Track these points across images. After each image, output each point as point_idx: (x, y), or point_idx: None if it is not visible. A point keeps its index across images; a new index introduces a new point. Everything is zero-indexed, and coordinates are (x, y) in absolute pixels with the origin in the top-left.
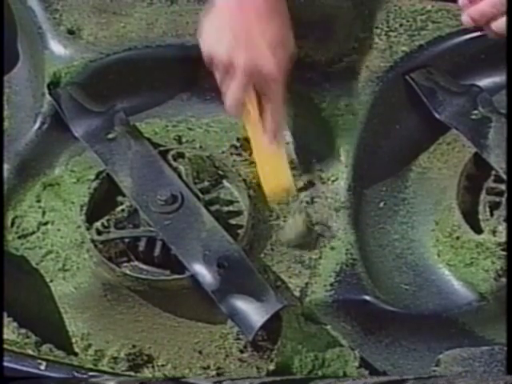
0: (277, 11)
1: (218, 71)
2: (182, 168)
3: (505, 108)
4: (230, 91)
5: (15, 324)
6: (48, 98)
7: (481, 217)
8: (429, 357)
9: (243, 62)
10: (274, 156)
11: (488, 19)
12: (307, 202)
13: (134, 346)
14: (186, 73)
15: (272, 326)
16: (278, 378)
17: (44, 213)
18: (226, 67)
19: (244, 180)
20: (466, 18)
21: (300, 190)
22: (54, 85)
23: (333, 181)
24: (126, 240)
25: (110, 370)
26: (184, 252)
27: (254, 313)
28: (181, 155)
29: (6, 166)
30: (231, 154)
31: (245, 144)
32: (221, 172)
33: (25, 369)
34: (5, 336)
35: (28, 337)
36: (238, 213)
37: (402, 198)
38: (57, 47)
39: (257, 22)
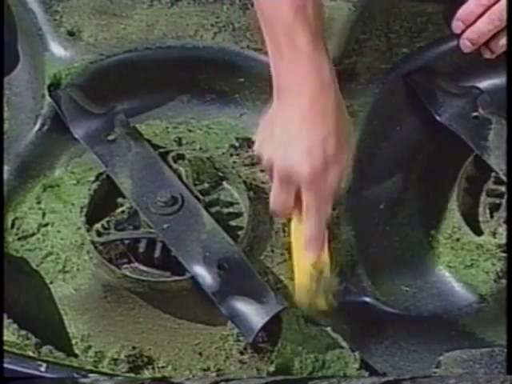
0: (325, 118)
1: (267, 172)
2: (182, 170)
3: (505, 110)
4: (271, 193)
5: (15, 325)
6: (48, 99)
7: (481, 218)
8: (429, 358)
9: (279, 166)
10: (314, 268)
11: (487, 38)
12: None
13: (134, 348)
14: (186, 75)
15: (272, 328)
16: (278, 378)
17: (44, 214)
18: (269, 169)
19: (244, 182)
20: (464, 43)
21: None
22: (54, 86)
23: None
24: (126, 241)
25: (110, 372)
26: (184, 253)
27: (254, 314)
28: (181, 157)
29: (6, 168)
30: (231, 155)
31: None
32: (221, 173)
33: (25, 370)
34: (5, 338)
35: (28, 338)
36: (238, 214)
37: (401, 200)
38: (57, 49)
39: (300, 124)
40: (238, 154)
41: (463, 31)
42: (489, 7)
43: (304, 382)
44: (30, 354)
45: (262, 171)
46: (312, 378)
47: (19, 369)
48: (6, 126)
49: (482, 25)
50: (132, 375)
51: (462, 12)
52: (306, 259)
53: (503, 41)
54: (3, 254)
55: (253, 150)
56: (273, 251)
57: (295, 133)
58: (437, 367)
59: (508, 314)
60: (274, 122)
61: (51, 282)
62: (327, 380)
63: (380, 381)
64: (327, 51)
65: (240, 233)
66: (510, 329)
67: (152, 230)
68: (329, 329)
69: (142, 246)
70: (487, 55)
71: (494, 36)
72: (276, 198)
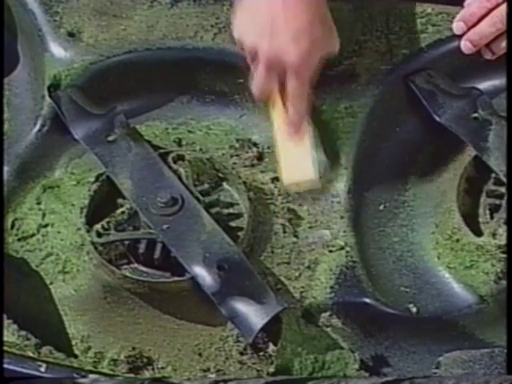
0: (308, 2)
1: (248, 58)
2: (182, 170)
3: (505, 111)
4: (255, 78)
5: (15, 326)
6: (48, 100)
7: (481, 219)
8: (429, 359)
9: (266, 51)
10: (297, 148)
11: (488, 40)
12: (307, 205)
13: (133, 349)
14: (186, 75)
15: (272, 329)
16: (278, 379)
17: (44, 215)
18: (252, 55)
19: (244, 182)
20: (465, 44)
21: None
22: (54, 87)
23: (333, 183)
24: (126, 242)
25: (110, 373)
26: (184, 254)
27: (254, 315)
28: (181, 158)
29: (5, 168)
30: (231, 156)
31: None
32: (221, 174)
33: (25, 371)
34: (5, 338)
35: (28, 339)
36: (238, 215)
37: (401, 201)
38: (57, 50)
39: (283, 11)
40: (237, 155)
41: (465, 32)
42: (491, 9)
43: (304, 382)
44: (30, 354)
45: (263, 172)
46: (312, 378)
47: (19, 369)
48: (5, 126)
49: (483, 27)
50: (132, 376)
51: (464, 13)
52: (290, 141)
53: (504, 42)
54: (3, 255)
55: (253, 150)
56: (273, 252)
57: (280, 17)
58: (436, 368)
59: (508, 315)
60: (254, 4)
61: (51, 283)
62: (328, 380)
63: (380, 381)
64: None
65: (240, 233)
66: (510, 329)
67: (152, 231)
68: (329, 329)
69: (141, 247)
70: (488, 56)
71: (496, 37)
72: (260, 83)
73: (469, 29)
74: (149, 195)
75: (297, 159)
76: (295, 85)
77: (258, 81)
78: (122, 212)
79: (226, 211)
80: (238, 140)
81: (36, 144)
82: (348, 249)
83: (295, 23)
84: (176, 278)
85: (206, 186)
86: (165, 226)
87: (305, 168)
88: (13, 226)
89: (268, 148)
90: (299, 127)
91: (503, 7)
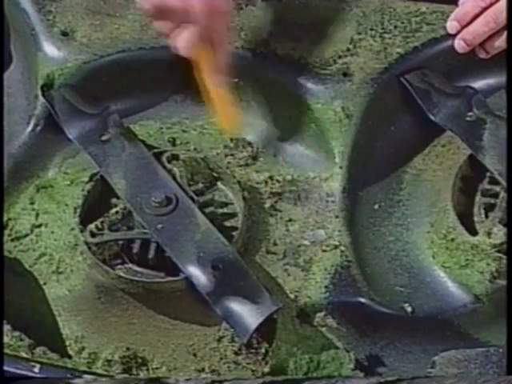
0: None
1: (167, 19)
2: (176, 170)
3: (499, 109)
4: (184, 35)
5: (8, 327)
6: (41, 99)
7: (476, 219)
8: (424, 359)
9: (199, 5)
10: (221, 96)
11: (482, 39)
12: (302, 204)
13: (128, 349)
14: (180, 75)
15: (267, 329)
16: (273, 379)
17: (37, 215)
18: (180, 13)
19: (239, 182)
20: (459, 43)
21: None
22: (47, 87)
23: (327, 182)
24: (120, 242)
25: (105, 373)
26: (178, 254)
27: (249, 315)
28: (175, 157)
29: None
30: (225, 155)
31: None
32: (215, 174)
33: (18, 371)
34: None
35: (21, 339)
36: (233, 215)
37: (396, 200)
38: (50, 49)
39: None
40: (232, 155)
41: (458, 31)
42: (485, 8)
43: (299, 382)
44: (24, 355)
45: (257, 172)
46: (307, 378)
47: (12, 370)
48: None
49: (477, 26)
50: (126, 376)
51: (458, 12)
52: (215, 91)
53: (498, 42)
54: (3, 256)
55: (247, 150)
56: (267, 251)
57: None
58: (432, 367)
59: (508, 315)
60: None
61: (45, 283)
62: (323, 380)
63: (375, 381)
64: None
65: (234, 233)
66: (510, 329)
67: (146, 231)
68: (324, 329)
69: (136, 247)
70: (482, 55)
71: (490, 37)
72: (190, 39)
73: (463, 28)
74: (143, 195)
75: (222, 108)
76: (222, 35)
77: (189, 36)
78: (116, 212)
79: (220, 211)
80: (232, 139)
81: (29, 144)
82: (343, 248)
83: None
84: (170, 278)
85: (201, 185)
86: (159, 226)
87: (229, 116)
88: (6, 226)
89: (263, 148)
90: (226, 68)
91: (497, 6)
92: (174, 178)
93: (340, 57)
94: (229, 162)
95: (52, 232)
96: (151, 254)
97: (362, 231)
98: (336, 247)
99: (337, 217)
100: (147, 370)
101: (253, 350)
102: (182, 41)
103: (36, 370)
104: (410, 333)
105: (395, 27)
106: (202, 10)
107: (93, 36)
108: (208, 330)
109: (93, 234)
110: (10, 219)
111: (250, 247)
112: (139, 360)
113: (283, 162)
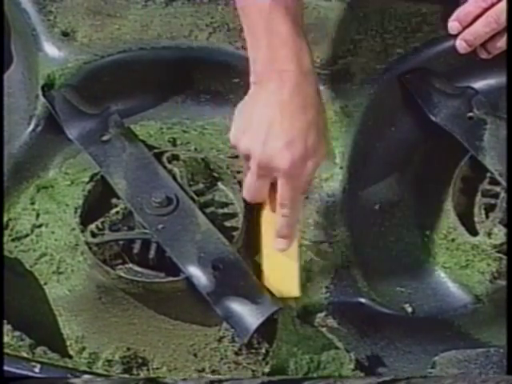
0: (306, 108)
1: (242, 159)
2: (176, 170)
3: (499, 110)
4: (246, 180)
5: (9, 326)
6: (42, 100)
7: (476, 219)
8: (424, 359)
9: (258, 156)
10: (284, 258)
11: (483, 40)
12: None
13: (128, 349)
14: (181, 75)
15: (267, 329)
16: (273, 379)
17: (38, 215)
18: (245, 157)
19: (239, 182)
20: (460, 44)
21: None
22: (48, 87)
23: (327, 182)
24: (121, 242)
25: (105, 373)
26: (179, 254)
27: (249, 315)
28: (175, 157)
29: None
30: (226, 156)
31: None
32: (215, 174)
33: (19, 371)
34: None
35: (22, 339)
36: (233, 215)
37: (397, 200)
38: (51, 49)
39: (280, 118)
40: (232, 155)
41: (460, 32)
42: (486, 9)
43: (299, 382)
44: (25, 355)
45: None
46: (307, 378)
47: (13, 370)
48: None
49: (478, 26)
50: (127, 376)
51: (460, 13)
52: (276, 248)
53: (500, 42)
54: (3, 256)
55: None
56: None
57: (276, 123)
58: (432, 367)
59: (508, 315)
60: (252, 110)
61: (45, 283)
62: (323, 380)
63: (375, 381)
64: (307, 39)
65: (235, 233)
66: (510, 329)
67: (147, 231)
68: (324, 329)
69: (136, 247)
70: (483, 56)
71: (491, 37)
72: (251, 186)
73: (464, 28)
74: (143, 195)
75: (283, 271)
76: (285, 190)
77: (249, 183)
78: (117, 212)
79: (220, 211)
80: None
81: (30, 144)
82: (343, 248)
83: (290, 130)
84: (171, 278)
85: (201, 185)
86: (159, 226)
87: (291, 284)
88: (7, 226)
89: None
90: (288, 233)
91: (498, 7)
92: (175, 178)
93: (341, 57)
94: (229, 163)
95: (52, 232)
96: (152, 254)
97: (362, 231)
98: (336, 247)
99: (337, 217)
100: (148, 370)
101: (253, 351)
102: (244, 186)
103: (36, 369)
104: (411, 333)
105: (396, 28)
106: (259, 161)
107: (93, 36)
108: (208, 330)
109: (93, 234)
110: (10, 219)
111: (250, 247)
112: (140, 360)
113: None
